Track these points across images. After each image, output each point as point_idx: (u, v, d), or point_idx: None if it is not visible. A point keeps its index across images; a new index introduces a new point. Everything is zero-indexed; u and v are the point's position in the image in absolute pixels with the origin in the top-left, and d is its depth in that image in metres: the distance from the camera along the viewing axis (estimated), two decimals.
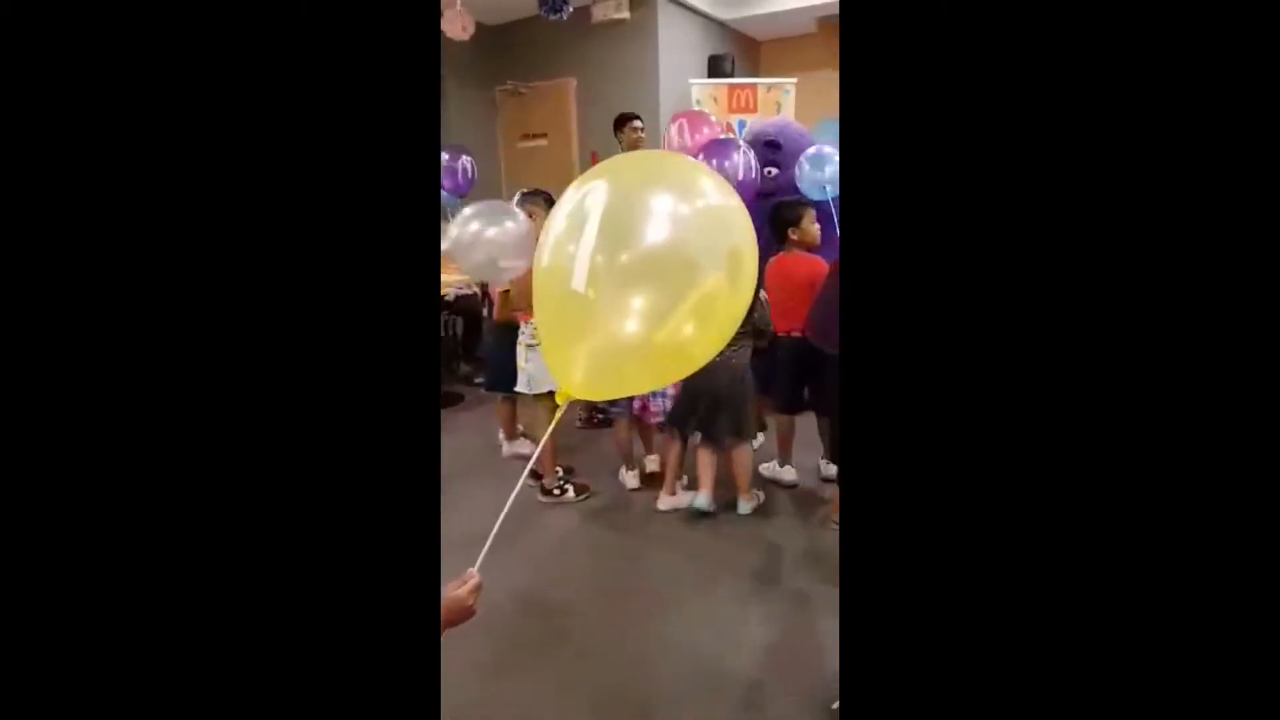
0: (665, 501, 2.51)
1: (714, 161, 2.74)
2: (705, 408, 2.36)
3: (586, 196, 0.89)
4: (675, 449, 2.51)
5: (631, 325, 0.82)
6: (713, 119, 3.33)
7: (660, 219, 0.85)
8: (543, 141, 5.25)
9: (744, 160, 2.76)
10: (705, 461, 2.44)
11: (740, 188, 2.68)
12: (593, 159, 4.57)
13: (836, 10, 5.35)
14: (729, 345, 2.33)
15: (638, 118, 3.72)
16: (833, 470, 2.69)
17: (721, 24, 5.33)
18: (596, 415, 3.38)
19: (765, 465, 2.73)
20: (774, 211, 2.50)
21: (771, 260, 2.48)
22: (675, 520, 2.45)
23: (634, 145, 3.73)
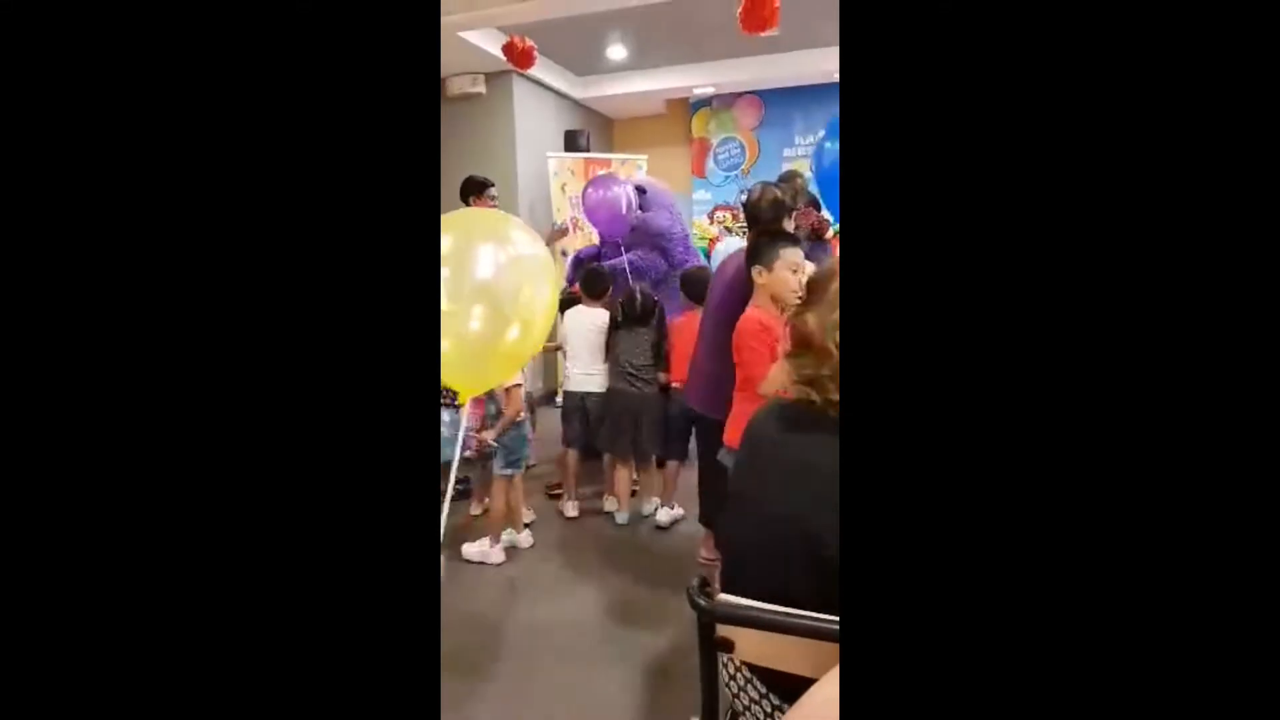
0: (572, 509, 3.01)
1: (599, 191, 3.33)
2: (631, 430, 2.81)
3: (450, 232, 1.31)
4: (576, 460, 3.03)
5: (478, 328, 1.25)
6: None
7: (489, 260, 1.29)
8: None
9: (625, 192, 3.36)
10: (623, 476, 2.95)
11: (619, 220, 3.29)
12: None
13: (682, 94, 5.76)
14: (639, 379, 2.85)
15: (492, 185, 3.55)
16: (664, 516, 2.93)
17: (576, 102, 5.58)
18: (457, 487, 3.26)
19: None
20: (696, 273, 2.87)
21: (678, 318, 2.83)
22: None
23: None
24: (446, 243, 1.22)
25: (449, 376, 1.32)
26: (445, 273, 1.21)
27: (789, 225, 2.21)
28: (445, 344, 1.21)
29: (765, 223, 2.14)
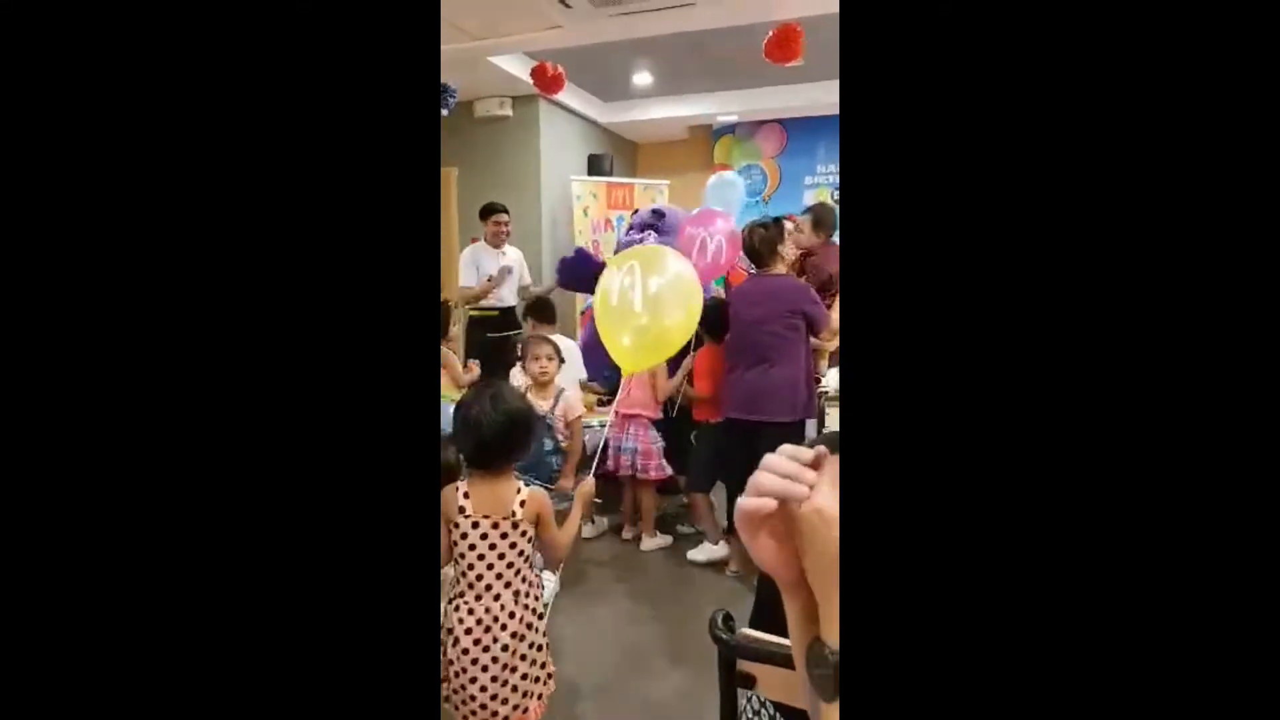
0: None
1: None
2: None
3: (626, 269, 2.00)
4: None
5: (648, 320, 1.94)
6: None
7: (662, 277, 1.98)
8: None
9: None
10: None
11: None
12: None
13: (705, 121, 5.82)
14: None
15: (504, 211, 3.92)
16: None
17: (601, 126, 5.65)
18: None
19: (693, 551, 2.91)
20: (721, 305, 2.78)
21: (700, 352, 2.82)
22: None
23: (497, 236, 3.90)
24: (636, 271, 1.95)
25: (628, 358, 2.03)
26: (634, 288, 1.94)
27: (789, 254, 2.69)
28: (626, 338, 1.97)
29: (765, 256, 2.55)
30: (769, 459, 0.51)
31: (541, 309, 3.22)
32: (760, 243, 2.55)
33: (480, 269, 3.84)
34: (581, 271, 3.28)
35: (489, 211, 3.92)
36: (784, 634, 0.87)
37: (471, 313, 3.87)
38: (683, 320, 1.99)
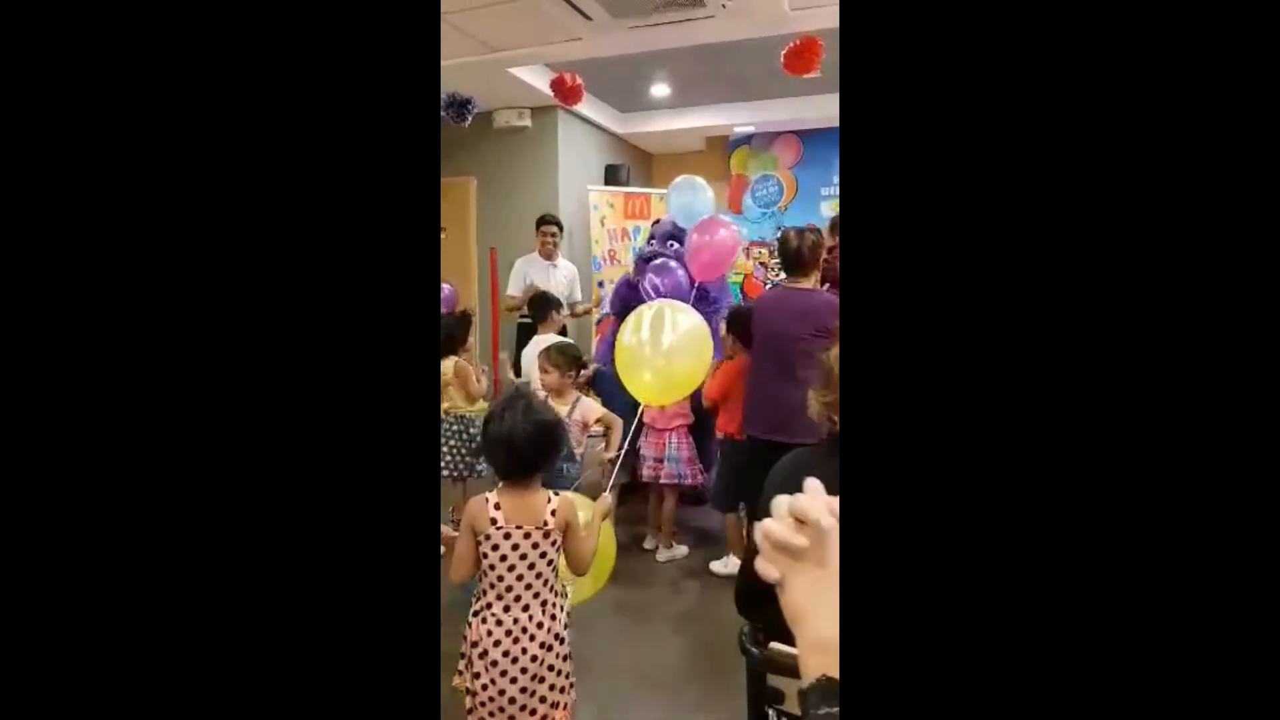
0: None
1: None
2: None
3: (644, 317, 2.21)
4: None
5: (663, 362, 2.14)
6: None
7: (673, 326, 2.17)
8: (441, 235, 5.29)
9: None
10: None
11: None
12: (491, 255, 4.64)
13: (722, 132, 5.83)
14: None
15: (554, 223, 3.97)
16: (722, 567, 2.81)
17: (618, 137, 5.67)
18: None
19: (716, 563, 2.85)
20: (746, 312, 2.68)
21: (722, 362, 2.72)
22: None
23: (544, 247, 3.94)
24: (646, 324, 2.17)
25: (650, 394, 2.26)
26: (647, 338, 2.14)
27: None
28: (647, 375, 2.17)
29: (808, 262, 2.41)
30: (768, 524, 0.48)
31: (535, 307, 3.13)
32: (809, 248, 2.42)
33: (528, 279, 3.85)
34: (634, 301, 3.21)
35: (539, 223, 3.96)
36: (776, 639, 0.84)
37: (519, 320, 3.90)
38: (691, 360, 2.21)
